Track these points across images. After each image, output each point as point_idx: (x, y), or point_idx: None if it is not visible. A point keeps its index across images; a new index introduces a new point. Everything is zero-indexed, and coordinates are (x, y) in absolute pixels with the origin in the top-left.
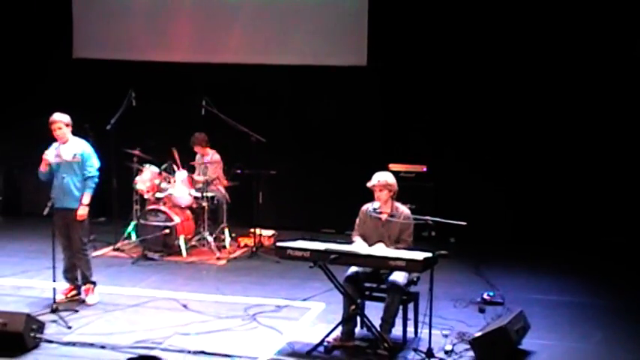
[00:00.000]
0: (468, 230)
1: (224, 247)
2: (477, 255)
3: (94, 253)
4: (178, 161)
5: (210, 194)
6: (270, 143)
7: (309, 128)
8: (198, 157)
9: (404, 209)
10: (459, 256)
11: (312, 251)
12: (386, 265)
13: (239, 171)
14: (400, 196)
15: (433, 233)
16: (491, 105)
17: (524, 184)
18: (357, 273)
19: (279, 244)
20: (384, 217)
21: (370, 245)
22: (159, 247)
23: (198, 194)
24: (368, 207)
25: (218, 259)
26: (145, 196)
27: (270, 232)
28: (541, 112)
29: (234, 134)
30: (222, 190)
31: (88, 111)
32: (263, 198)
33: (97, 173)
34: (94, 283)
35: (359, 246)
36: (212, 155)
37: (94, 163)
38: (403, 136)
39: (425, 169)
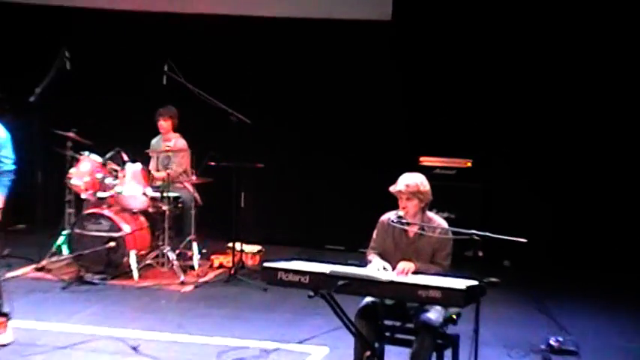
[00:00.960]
0: (529, 249)
1: (191, 267)
2: (539, 284)
3: (9, 274)
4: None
5: (173, 194)
6: (257, 126)
7: (311, 107)
8: (155, 142)
9: (439, 220)
10: (516, 286)
11: (313, 275)
12: (414, 296)
13: (213, 163)
14: (435, 201)
15: (480, 253)
16: (569, 81)
17: (602, 190)
18: (374, 306)
19: (267, 264)
20: (412, 231)
21: (393, 268)
22: (100, 266)
23: (157, 194)
24: (390, 217)
25: (182, 283)
26: (83, 196)
27: (256, 248)
28: (622, 116)
29: (207, 112)
30: (190, 189)
31: (2, 76)
32: (246, 201)
33: (12, 167)
34: (5, 316)
35: (377, 269)
36: (176, 141)
37: (8, 153)
38: (439, 118)
39: (470, 165)
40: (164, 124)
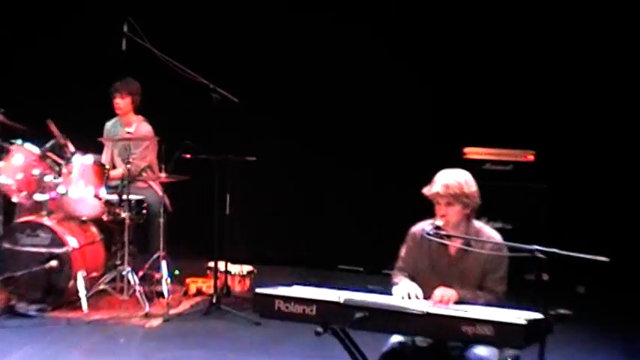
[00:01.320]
0: (611, 271)
1: (159, 294)
2: (623, 316)
3: None
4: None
5: (135, 197)
6: (248, 106)
7: (319, 85)
8: (110, 126)
9: (490, 232)
10: (593, 319)
11: (322, 304)
12: (457, 333)
13: (188, 155)
14: (484, 207)
15: (546, 277)
16: None
17: None
18: (402, 348)
19: (260, 290)
20: (454, 246)
21: (427, 296)
22: (38, 292)
23: (114, 197)
24: (423, 227)
25: (148, 316)
26: (14, 199)
27: (245, 269)
28: None
29: (180, 88)
30: (158, 191)
31: None
32: (233, 206)
33: None
34: None
35: (405, 296)
36: (138, 125)
37: None
38: (491, 98)
39: (532, 158)
40: (121, 102)
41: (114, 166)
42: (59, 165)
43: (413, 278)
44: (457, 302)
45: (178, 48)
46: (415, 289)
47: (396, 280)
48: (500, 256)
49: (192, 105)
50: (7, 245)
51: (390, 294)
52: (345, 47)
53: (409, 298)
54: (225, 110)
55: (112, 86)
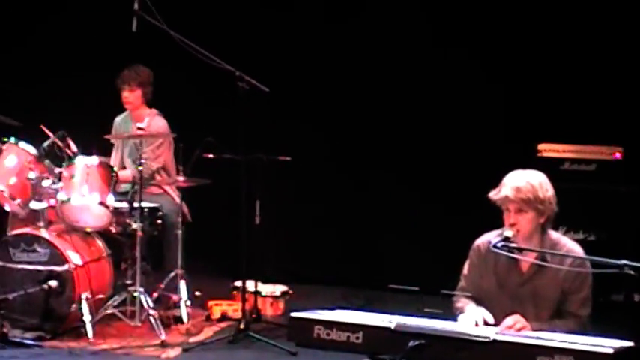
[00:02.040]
0: None
1: (178, 319)
2: None
3: None
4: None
5: (148, 205)
6: (281, 96)
7: (368, 71)
8: (120, 122)
9: (570, 245)
10: None
11: (370, 331)
12: None
13: (210, 155)
14: (563, 215)
15: (637, 297)
16: None
17: None
18: None
19: (296, 314)
20: (526, 261)
21: (496, 320)
22: (35, 318)
23: (123, 205)
24: (489, 239)
25: (164, 345)
26: (7, 208)
27: (279, 290)
28: None
29: (200, 77)
30: (175, 197)
31: None
32: (264, 215)
33: None
34: None
35: (473, 320)
36: (151, 121)
37: None
38: (570, 87)
39: (620, 156)
40: (130, 95)
41: (124, 168)
42: (59, 167)
43: (478, 300)
44: None
45: (198, 30)
46: (485, 315)
47: (459, 304)
48: (582, 273)
49: (215, 96)
50: None
51: (450, 318)
52: (402, 38)
53: (476, 326)
54: (253, 102)
55: (118, 76)
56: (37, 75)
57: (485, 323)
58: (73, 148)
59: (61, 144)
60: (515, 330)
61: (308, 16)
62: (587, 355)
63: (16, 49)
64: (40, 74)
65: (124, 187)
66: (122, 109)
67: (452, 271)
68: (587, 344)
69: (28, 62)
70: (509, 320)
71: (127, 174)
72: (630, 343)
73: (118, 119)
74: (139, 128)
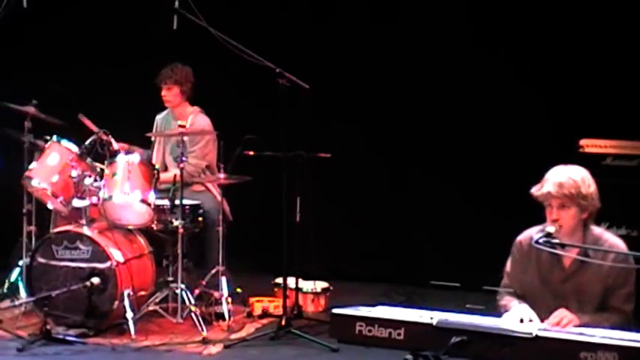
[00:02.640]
0: None
1: (219, 316)
2: None
3: None
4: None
5: (190, 202)
6: (321, 93)
7: (409, 67)
8: (161, 119)
9: (613, 240)
10: None
11: (412, 327)
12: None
13: (251, 153)
14: (606, 210)
15: None
16: None
17: None
18: None
19: (337, 311)
20: (569, 257)
21: (541, 317)
22: (78, 315)
23: (165, 202)
24: (532, 235)
25: (206, 342)
26: (50, 206)
27: (320, 286)
28: None
29: (240, 74)
30: (217, 195)
31: None
32: (304, 212)
33: None
34: None
35: (518, 317)
36: (194, 118)
37: None
38: (612, 81)
39: None
40: (168, 94)
41: (165, 168)
42: (102, 166)
43: (521, 297)
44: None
45: (237, 27)
46: (530, 314)
47: (503, 302)
48: (625, 269)
49: (255, 93)
50: (41, 260)
51: (492, 315)
52: (443, 37)
53: (521, 323)
54: (293, 99)
55: (157, 75)
56: (79, 73)
57: (530, 321)
58: (115, 145)
59: (103, 141)
60: (562, 326)
61: (350, 13)
62: (631, 352)
63: (59, 48)
64: (82, 72)
65: (165, 185)
66: (164, 107)
67: (493, 267)
68: (631, 340)
69: (71, 60)
70: (556, 314)
71: (169, 175)
72: None
73: (159, 117)
74: (181, 126)
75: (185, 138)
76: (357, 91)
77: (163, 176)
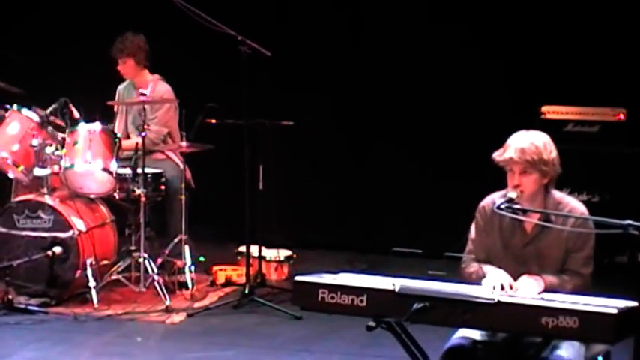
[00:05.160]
0: None
1: (182, 285)
2: None
3: None
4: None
5: (151, 170)
6: (283, 60)
7: (369, 32)
8: (124, 88)
9: (574, 204)
10: None
11: (374, 294)
12: (535, 325)
13: (213, 121)
14: (566, 176)
15: None
16: None
17: None
18: (469, 346)
19: (300, 278)
20: (530, 222)
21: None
22: (40, 284)
23: (127, 171)
24: (494, 200)
25: (169, 310)
26: (11, 175)
27: (283, 254)
28: None
29: (201, 42)
30: (178, 163)
31: None
32: (267, 180)
33: None
34: None
35: (500, 287)
36: (155, 86)
37: None
38: (572, 47)
39: (623, 117)
40: (123, 67)
41: (127, 137)
42: (62, 133)
43: (486, 262)
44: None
45: None
46: (509, 278)
47: (471, 269)
48: (585, 233)
49: (217, 61)
50: (2, 229)
51: (454, 281)
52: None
53: (502, 289)
54: (255, 66)
55: (111, 49)
56: (39, 43)
57: (510, 288)
58: (76, 114)
59: (63, 109)
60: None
61: None
62: (591, 316)
63: (16, 18)
64: (42, 42)
65: (127, 153)
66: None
67: (455, 233)
68: (591, 305)
69: (30, 30)
70: (522, 282)
71: (131, 143)
72: (634, 304)
73: (121, 87)
74: (142, 94)
75: (146, 106)
76: (320, 59)
77: (125, 144)
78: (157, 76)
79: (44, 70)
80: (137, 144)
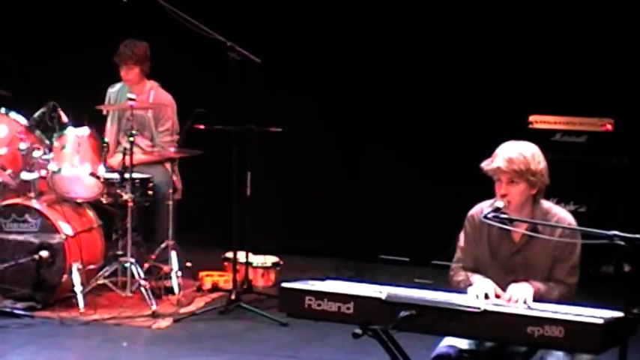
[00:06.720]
0: None
1: (169, 290)
2: None
3: None
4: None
5: (139, 175)
6: (272, 67)
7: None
8: (116, 92)
9: (562, 214)
10: None
11: (361, 301)
12: (521, 334)
13: (201, 126)
14: (554, 186)
15: (627, 268)
16: None
17: None
18: (457, 353)
19: (287, 285)
20: (518, 232)
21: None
22: (26, 288)
23: (114, 175)
24: (483, 209)
25: (155, 316)
26: None
27: (270, 261)
28: None
29: (190, 47)
30: (168, 168)
31: None
32: (255, 186)
33: None
34: None
35: (483, 296)
36: (157, 94)
37: None
38: (561, 58)
39: (610, 127)
40: (128, 74)
41: (118, 142)
42: (50, 138)
43: (474, 271)
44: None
45: (188, 1)
46: (494, 287)
47: (459, 277)
48: (572, 243)
49: (206, 67)
50: None
51: (440, 289)
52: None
53: (486, 298)
54: (245, 73)
55: (116, 54)
56: (28, 46)
57: (496, 296)
58: (64, 118)
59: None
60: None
61: None
62: (577, 326)
63: (7, 22)
64: (31, 46)
65: (116, 157)
66: (114, 80)
67: (442, 242)
68: (577, 315)
69: (19, 34)
70: (510, 291)
71: (117, 161)
72: (620, 314)
73: (112, 90)
74: (131, 99)
75: (150, 116)
76: (309, 65)
77: (111, 162)
78: (154, 83)
79: (33, 74)
80: (123, 159)
